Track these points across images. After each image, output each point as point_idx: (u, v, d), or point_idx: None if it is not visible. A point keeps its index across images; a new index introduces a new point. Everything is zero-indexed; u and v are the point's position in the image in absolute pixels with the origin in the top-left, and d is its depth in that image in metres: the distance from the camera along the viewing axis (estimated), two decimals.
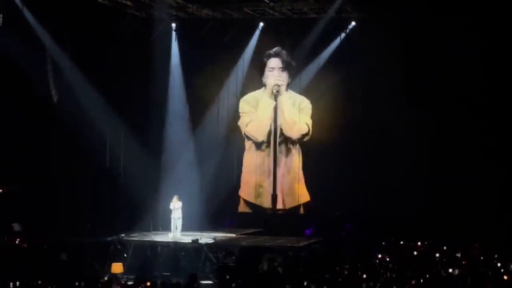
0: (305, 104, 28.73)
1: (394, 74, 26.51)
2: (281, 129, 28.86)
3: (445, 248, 22.90)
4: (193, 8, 27.83)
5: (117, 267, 22.52)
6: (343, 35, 27.92)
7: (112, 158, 27.47)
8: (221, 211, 28.36)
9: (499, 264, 19.69)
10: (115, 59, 26.59)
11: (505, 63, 25.77)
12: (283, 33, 28.35)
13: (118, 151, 27.43)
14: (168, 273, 22.10)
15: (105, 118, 26.84)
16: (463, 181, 25.91)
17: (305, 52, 28.20)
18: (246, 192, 29.07)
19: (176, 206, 25.45)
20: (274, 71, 28.81)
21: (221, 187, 28.53)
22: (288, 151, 28.94)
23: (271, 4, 27.26)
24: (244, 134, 29.21)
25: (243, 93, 29.33)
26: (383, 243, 24.24)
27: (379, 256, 21.88)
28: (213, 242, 24.45)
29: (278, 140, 28.89)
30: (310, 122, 28.63)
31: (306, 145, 28.73)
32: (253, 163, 29.09)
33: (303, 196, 28.64)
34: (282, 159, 28.96)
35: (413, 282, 16.85)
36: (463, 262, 20.18)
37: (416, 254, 22.45)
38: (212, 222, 27.89)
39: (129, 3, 27.23)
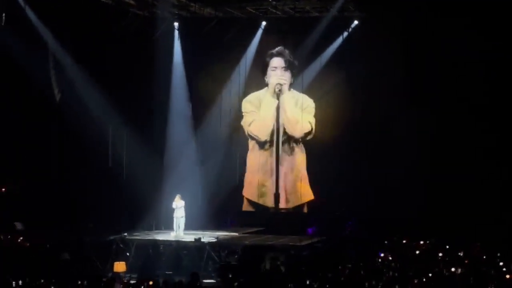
0: (308, 103, 28.71)
1: (397, 73, 26.50)
2: (284, 128, 28.86)
3: (447, 247, 22.89)
4: (196, 7, 27.84)
5: (119, 266, 22.54)
6: (345, 34, 27.88)
7: (114, 157, 27.49)
8: (224, 210, 28.37)
9: (501, 263, 19.67)
10: (118, 58, 26.61)
11: (505, 63, 25.76)
12: (286, 32, 28.37)
13: (121, 150, 27.46)
14: (171, 272, 22.09)
15: (107, 117, 26.87)
16: (464, 181, 25.89)
17: (308, 51, 28.18)
18: (249, 191, 29.07)
19: (178, 205, 25.48)
20: (277, 71, 28.80)
21: (223, 186, 28.54)
22: (291, 150, 28.93)
23: (274, 3, 27.27)
24: (247, 134, 29.21)
25: (245, 92, 29.32)
26: (386, 242, 24.24)
27: (382, 255, 21.89)
28: (215, 241, 24.45)
29: (281, 139, 28.89)
30: (313, 121, 28.61)
31: (310, 144, 28.72)
32: (256, 162, 29.08)
33: (307, 195, 28.63)
34: (285, 158, 28.95)
35: (415, 281, 16.85)
36: (466, 261, 20.17)
37: (419, 253, 22.43)
38: (215, 221, 27.90)
39: (131, 1, 27.27)
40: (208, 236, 24.91)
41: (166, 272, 22.05)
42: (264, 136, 29.03)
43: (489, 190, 25.59)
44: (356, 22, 27.65)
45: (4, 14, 24.30)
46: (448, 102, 26.39)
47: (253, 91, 29.38)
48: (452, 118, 26.43)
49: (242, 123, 29.31)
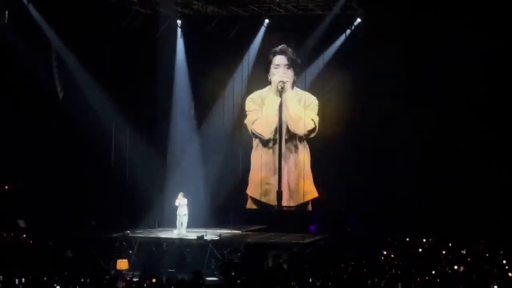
0: (311, 100, 28.69)
1: (399, 71, 26.45)
2: (287, 126, 28.86)
3: (450, 245, 22.89)
4: (198, 5, 27.81)
5: (122, 264, 22.60)
6: (348, 32, 27.84)
7: (117, 155, 27.50)
8: (227, 208, 28.36)
9: (504, 261, 19.67)
10: (120, 56, 26.60)
11: (505, 63, 25.75)
12: (289, 29, 28.35)
13: (123, 148, 27.44)
14: (173, 270, 22.14)
15: (110, 114, 26.87)
16: (465, 180, 25.91)
17: (311, 49, 28.16)
18: (253, 190, 29.06)
19: (181, 203, 25.50)
20: (280, 68, 28.80)
21: (226, 184, 28.52)
22: (295, 147, 28.92)
23: (277, 1, 27.24)
24: (251, 132, 29.21)
25: (248, 90, 29.30)
26: (389, 239, 24.25)
27: (384, 252, 21.89)
28: (218, 239, 24.47)
29: (285, 137, 28.89)
30: (316, 118, 28.59)
31: (314, 141, 28.71)
32: (260, 161, 29.06)
33: (311, 192, 28.61)
34: (289, 156, 28.95)
35: (418, 279, 16.84)
36: (468, 259, 20.17)
37: (421, 251, 22.44)
38: (217, 218, 27.88)
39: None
40: (210, 234, 24.93)
41: (169, 270, 22.10)
42: (267, 134, 29.03)
43: (490, 189, 25.62)
44: (359, 20, 27.61)
45: (7, 12, 24.31)
46: (450, 101, 26.40)
47: (256, 89, 29.37)
48: (453, 117, 26.46)
49: (246, 121, 29.31)
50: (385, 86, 26.64)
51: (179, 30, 28.91)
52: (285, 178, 28.86)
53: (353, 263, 19.81)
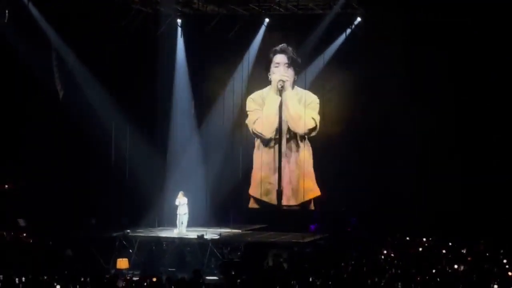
0: (312, 99, 28.67)
1: (400, 70, 26.44)
2: (287, 125, 28.86)
3: (450, 244, 22.90)
4: (199, 4, 27.80)
5: (122, 263, 22.59)
6: (348, 31, 27.82)
7: (117, 154, 27.49)
8: (227, 207, 28.34)
9: (504, 261, 19.67)
10: (120, 55, 26.60)
11: (505, 63, 25.75)
12: (289, 29, 28.33)
13: (124, 147, 27.44)
14: (174, 269, 22.14)
15: (110, 113, 26.87)
16: (466, 180, 25.96)
17: (311, 48, 28.15)
18: (255, 189, 29.06)
19: (181, 202, 25.50)
20: (280, 67, 28.78)
21: (226, 183, 28.50)
22: (297, 146, 28.91)
23: (277, 0, 27.23)
24: (252, 132, 29.19)
25: (248, 89, 29.28)
26: (389, 239, 24.25)
27: (385, 252, 21.89)
28: (218, 238, 24.48)
29: (286, 136, 28.89)
30: (317, 117, 28.57)
31: (314, 141, 28.69)
32: (262, 160, 29.09)
33: (313, 191, 28.60)
34: (291, 155, 28.93)
35: (418, 278, 16.84)
36: (469, 259, 20.17)
37: (421, 250, 22.44)
38: (218, 218, 27.88)
39: None
40: (211, 233, 24.94)
41: (169, 269, 22.11)
42: (268, 133, 29.02)
43: (490, 189, 25.61)
44: (359, 19, 27.59)
45: (7, 11, 24.31)
46: (450, 101, 26.43)
47: (256, 89, 29.36)
48: (454, 116, 26.53)
49: (247, 121, 29.29)
50: (385, 86, 26.63)
51: (179, 29, 28.88)
52: (287, 177, 28.86)
53: (353, 262, 19.80)
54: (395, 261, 19.87)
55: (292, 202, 28.82)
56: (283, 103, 28.81)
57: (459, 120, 26.56)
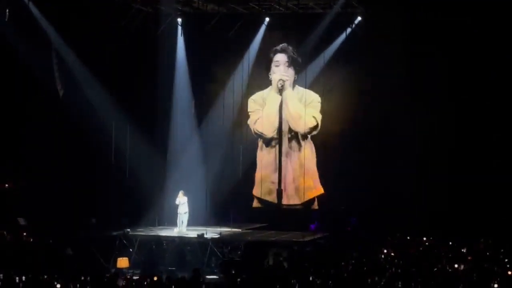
0: (313, 98, 28.67)
1: (400, 69, 26.44)
2: (288, 124, 28.86)
3: (450, 243, 22.90)
4: (199, 3, 27.82)
5: (122, 262, 22.59)
6: (349, 30, 27.81)
7: (117, 153, 27.49)
8: (227, 206, 28.34)
9: (505, 260, 19.66)
10: (120, 54, 26.60)
11: (505, 63, 25.76)
12: (289, 28, 28.33)
13: (124, 146, 27.44)
14: (174, 268, 22.12)
15: (110, 113, 26.87)
16: (466, 179, 25.96)
17: (311, 47, 28.15)
18: (258, 189, 29.08)
19: (181, 201, 25.50)
20: (280, 66, 28.79)
21: (226, 183, 28.51)
22: (299, 145, 28.91)
23: None
24: (254, 132, 29.20)
25: (248, 88, 29.28)
26: (389, 238, 24.25)
27: (385, 251, 21.88)
28: (218, 237, 24.48)
29: (288, 136, 28.91)
30: (318, 115, 28.56)
31: (315, 140, 28.69)
32: (265, 160, 29.13)
33: (316, 190, 28.60)
34: (293, 154, 28.95)
35: (418, 278, 16.83)
36: (469, 258, 20.16)
37: (422, 250, 22.43)
38: (218, 217, 27.88)
39: None
40: (211, 232, 24.94)
41: (169, 268, 22.07)
42: (269, 133, 29.03)
43: (489, 189, 25.61)
44: (359, 18, 27.58)
45: (7, 10, 24.31)
46: (451, 100, 26.43)
47: (256, 88, 29.37)
48: (453, 115, 26.51)
49: (249, 122, 29.30)
50: (385, 86, 26.63)
51: (179, 28, 28.88)
52: (290, 176, 28.88)
53: (353, 261, 19.79)
54: (395, 261, 19.86)
55: (296, 201, 28.82)
56: (283, 103, 28.82)
57: (459, 120, 26.57)
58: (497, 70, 25.92)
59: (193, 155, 29.04)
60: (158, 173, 28.41)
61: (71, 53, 26.54)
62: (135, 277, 18.63)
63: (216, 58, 28.77)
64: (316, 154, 28.69)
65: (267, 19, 28.43)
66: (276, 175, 28.94)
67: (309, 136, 28.72)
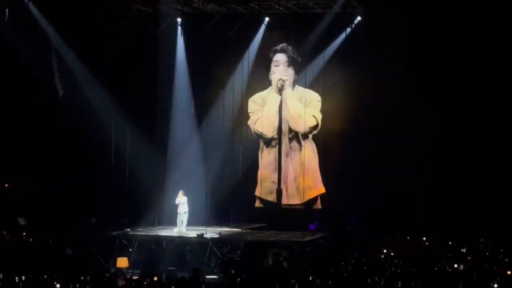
0: (313, 97, 28.68)
1: (400, 69, 26.44)
2: (288, 124, 28.86)
3: (450, 243, 22.89)
4: (199, 3, 27.82)
5: (122, 262, 22.58)
6: (348, 30, 27.80)
7: (117, 153, 27.49)
8: (227, 206, 28.34)
9: (506, 260, 19.66)
10: (120, 54, 26.59)
11: (505, 63, 25.76)
12: (289, 28, 28.33)
13: (124, 146, 27.44)
14: (173, 268, 22.12)
15: (110, 113, 26.87)
16: (466, 179, 25.96)
17: (311, 47, 28.16)
18: (260, 189, 29.10)
19: (181, 201, 25.50)
20: (280, 66, 28.81)
21: (226, 183, 28.51)
22: (299, 145, 28.91)
23: None
24: (254, 132, 29.21)
25: (248, 88, 29.28)
26: (389, 238, 24.25)
27: (385, 251, 21.88)
28: (218, 237, 24.48)
29: (288, 136, 28.92)
30: (319, 115, 28.55)
31: (317, 139, 28.68)
32: (266, 160, 29.15)
33: (317, 189, 28.59)
34: (294, 154, 28.95)
35: (418, 278, 16.82)
36: (468, 258, 20.16)
37: (422, 250, 22.42)
38: (217, 217, 27.87)
39: None
40: (210, 232, 24.93)
41: (169, 268, 22.07)
42: (269, 132, 29.05)
43: (489, 188, 25.62)
44: (359, 18, 27.58)
45: (7, 10, 24.31)
46: (451, 100, 26.43)
47: (256, 88, 29.37)
48: (453, 115, 26.51)
49: (249, 122, 29.31)
50: (385, 85, 26.63)
51: (179, 28, 28.89)
52: (292, 175, 28.89)
53: (353, 261, 19.79)
54: (395, 261, 19.85)
55: (297, 201, 28.82)
56: (283, 102, 28.83)
57: (459, 120, 26.57)
58: (497, 70, 25.93)
59: (193, 155, 29.04)
60: (158, 173, 28.40)
61: (71, 53, 26.55)
62: (135, 277, 18.62)
63: (216, 58, 28.78)
64: (322, 152, 28.65)
65: (267, 19, 28.43)
66: (276, 174, 28.95)
67: (310, 136, 28.72)
